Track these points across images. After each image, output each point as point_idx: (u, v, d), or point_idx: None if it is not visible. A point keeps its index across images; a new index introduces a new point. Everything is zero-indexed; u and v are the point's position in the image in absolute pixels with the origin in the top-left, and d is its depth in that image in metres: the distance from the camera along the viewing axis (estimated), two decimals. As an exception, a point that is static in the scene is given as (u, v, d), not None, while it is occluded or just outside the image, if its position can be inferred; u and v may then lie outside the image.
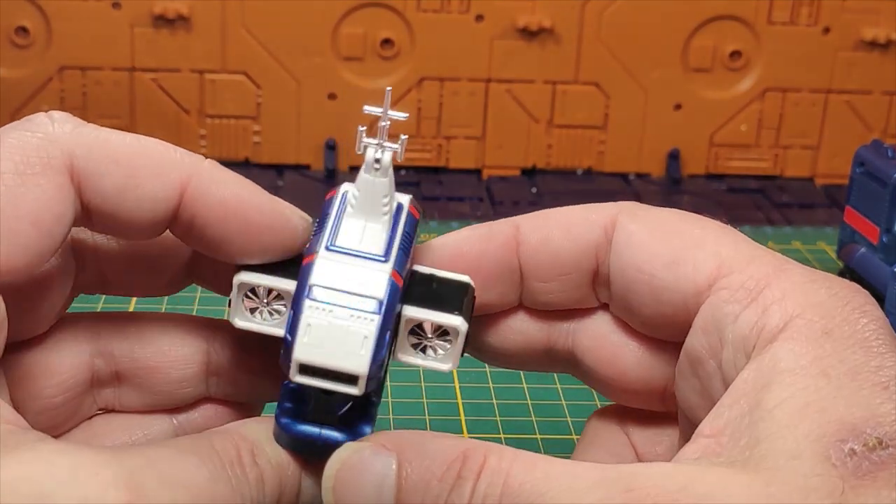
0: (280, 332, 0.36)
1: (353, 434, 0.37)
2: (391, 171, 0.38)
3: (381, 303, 0.35)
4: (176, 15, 0.93)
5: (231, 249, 0.38)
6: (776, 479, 0.32)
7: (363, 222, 0.37)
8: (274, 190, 0.97)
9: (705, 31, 0.97)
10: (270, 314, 0.37)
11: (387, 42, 0.96)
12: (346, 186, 0.39)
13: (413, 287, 0.38)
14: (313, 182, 0.97)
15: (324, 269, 0.36)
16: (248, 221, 0.37)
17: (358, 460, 0.35)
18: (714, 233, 0.39)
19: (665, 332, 0.40)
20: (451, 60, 0.96)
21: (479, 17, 0.95)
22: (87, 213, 0.37)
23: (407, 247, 0.38)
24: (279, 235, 0.38)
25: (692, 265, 0.38)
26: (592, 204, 0.42)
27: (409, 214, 0.38)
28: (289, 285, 0.37)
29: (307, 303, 0.35)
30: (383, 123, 0.38)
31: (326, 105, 0.97)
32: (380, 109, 0.39)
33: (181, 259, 0.42)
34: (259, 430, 0.37)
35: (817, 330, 0.35)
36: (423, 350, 0.38)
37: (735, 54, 0.98)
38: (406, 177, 0.97)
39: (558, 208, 0.43)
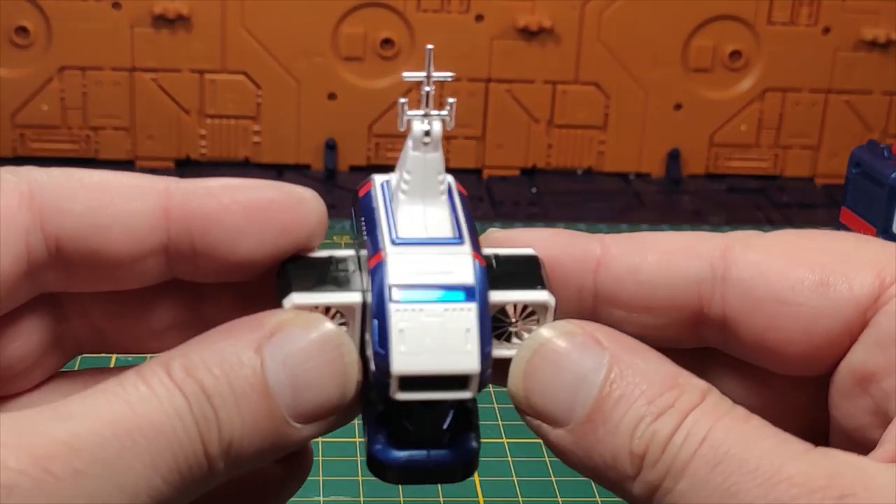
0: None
1: (463, 450, 0.33)
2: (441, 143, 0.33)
3: (472, 289, 0.31)
4: (176, 15, 0.93)
5: (248, 248, 0.34)
6: None
7: (421, 206, 0.33)
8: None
9: (705, 31, 0.97)
10: None
11: (387, 42, 0.96)
12: (379, 177, 0.35)
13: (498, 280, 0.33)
14: (313, 182, 0.97)
15: (398, 265, 0.31)
16: (253, 206, 0.34)
17: (561, 346, 0.32)
18: (853, 243, 0.35)
19: (813, 365, 0.35)
20: (451, 60, 0.96)
21: (479, 17, 0.95)
22: (59, 255, 0.33)
23: (472, 226, 0.33)
24: (294, 214, 0.34)
25: (847, 282, 0.34)
26: (697, 233, 0.37)
27: (459, 193, 0.35)
28: (350, 298, 0.32)
29: (391, 307, 0.30)
30: (427, 89, 0.33)
31: (326, 105, 0.97)
32: (421, 74, 0.33)
33: (184, 298, 0.37)
34: (201, 342, 0.31)
35: None
36: (508, 338, 0.33)
37: (735, 54, 0.98)
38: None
39: (656, 233, 0.37)
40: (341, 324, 0.33)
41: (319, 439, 0.58)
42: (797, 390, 0.37)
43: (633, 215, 0.94)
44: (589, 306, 0.36)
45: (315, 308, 0.32)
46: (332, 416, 0.32)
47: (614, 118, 0.99)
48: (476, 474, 0.58)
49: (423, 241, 0.32)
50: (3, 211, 0.32)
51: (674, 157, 1.00)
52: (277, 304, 0.33)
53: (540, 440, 0.33)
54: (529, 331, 0.33)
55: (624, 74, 0.98)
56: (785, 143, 1.01)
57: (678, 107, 0.99)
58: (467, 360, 0.31)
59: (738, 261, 0.35)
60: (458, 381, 0.31)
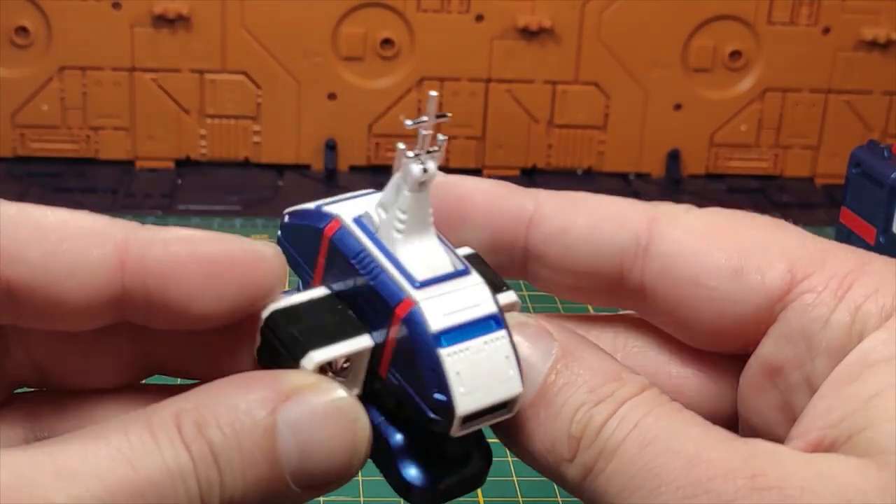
0: (352, 393, 0.32)
1: (485, 455, 0.35)
2: None
3: (498, 317, 0.32)
4: (176, 15, 0.93)
5: (203, 305, 0.33)
6: (888, 463, 0.30)
7: (418, 243, 0.33)
8: (274, 190, 0.97)
9: (705, 31, 0.97)
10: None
11: (387, 42, 0.96)
12: (346, 214, 0.35)
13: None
14: (313, 182, 0.97)
15: (432, 311, 0.32)
16: (212, 262, 0.33)
17: (514, 336, 0.33)
18: (774, 233, 0.36)
19: (723, 346, 0.37)
20: (451, 60, 0.96)
21: (479, 17, 0.95)
22: (10, 297, 0.32)
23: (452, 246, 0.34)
24: (254, 272, 0.33)
25: (760, 273, 0.35)
26: (628, 200, 0.38)
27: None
28: (363, 343, 0.33)
29: (442, 353, 0.31)
30: (425, 132, 0.33)
31: (326, 105, 0.97)
32: (423, 119, 0.33)
33: (132, 336, 0.36)
34: (215, 394, 0.31)
35: None
36: None
37: (735, 54, 0.98)
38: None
39: (588, 195, 0.39)
40: (345, 363, 0.33)
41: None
42: (709, 375, 0.38)
43: (633, 215, 0.94)
44: (520, 261, 0.37)
45: (335, 361, 0.33)
46: (335, 486, 0.32)
47: (614, 118, 0.99)
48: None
49: (439, 280, 0.33)
50: None
51: (674, 157, 1.00)
52: (273, 362, 0.32)
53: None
54: None
55: (624, 74, 0.98)
56: (785, 143, 1.01)
57: (678, 107, 0.99)
58: (513, 385, 0.32)
59: (661, 235, 0.36)
60: (505, 405, 0.32)
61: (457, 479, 0.34)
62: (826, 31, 0.98)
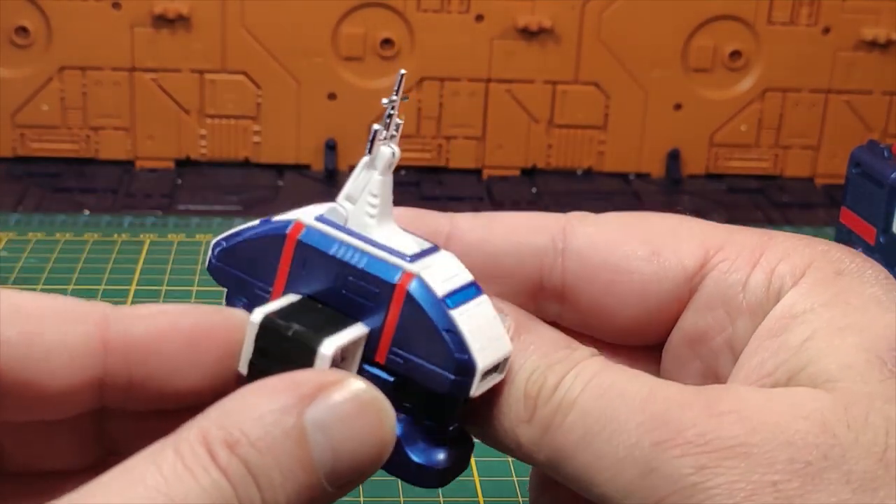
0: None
1: (468, 437, 0.35)
2: None
3: (476, 283, 0.34)
4: (176, 15, 0.93)
5: (187, 378, 0.33)
6: (836, 388, 0.31)
7: (388, 226, 0.34)
8: (274, 190, 0.97)
9: (705, 31, 0.97)
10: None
11: (387, 42, 0.96)
12: (306, 215, 0.35)
13: None
14: (313, 182, 0.97)
15: (433, 278, 0.33)
16: (193, 333, 0.33)
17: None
18: (680, 221, 0.39)
19: (645, 332, 0.38)
20: (451, 60, 0.96)
21: (479, 17, 0.95)
22: None
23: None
24: (232, 335, 0.33)
25: (675, 252, 0.37)
26: (540, 213, 0.40)
27: None
28: (361, 330, 0.33)
29: (454, 313, 0.32)
30: (391, 112, 0.35)
31: (326, 105, 0.97)
32: (394, 98, 0.35)
33: (91, 418, 0.35)
34: (236, 408, 0.29)
35: (829, 272, 0.35)
36: None
37: (735, 54, 0.98)
38: (406, 177, 0.97)
39: (501, 213, 0.40)
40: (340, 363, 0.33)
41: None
42: (639, 363, 0.39)
43: (633, 215, 0.94)
44: None
45: (345, 347, 0.32)
46: (363, 480, 0.32)
47: (614, 118, 0.99)
48: (476, 474, 0.58)
49: (422, 255, 0.33)
50: None
51: (674, 157, 1.00)
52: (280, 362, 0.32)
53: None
54: None
55: (624, 74, 0.98)
56: (785, 143, 1.01)
57: (678, 107, 0.99)
58: (506, 342, 0.34)
59: (576, 234, 0.38)
60: (500, 365, 0.33)
61: (454, 461, 0.34)
62: (826, 31, 0.98)
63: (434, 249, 0.34)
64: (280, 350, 0.33)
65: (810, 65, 0.98)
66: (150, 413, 0.34)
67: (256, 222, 0.35)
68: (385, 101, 0.35)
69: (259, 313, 0.33)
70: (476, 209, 0.93)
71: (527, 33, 0.95)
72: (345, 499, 0.57)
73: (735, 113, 1.00)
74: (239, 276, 0.35)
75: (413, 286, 0.32)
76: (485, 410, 0.34)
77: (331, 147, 0.97)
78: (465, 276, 0.34)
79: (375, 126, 0.34)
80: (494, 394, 0.34)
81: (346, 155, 0.98)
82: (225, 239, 0.36)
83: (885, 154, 0.73)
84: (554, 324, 0.39)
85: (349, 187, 0.35)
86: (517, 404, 0.33)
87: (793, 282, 0.35)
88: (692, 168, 1.01)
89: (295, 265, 0.34)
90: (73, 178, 0.95)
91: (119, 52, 0.94)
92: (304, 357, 0.32)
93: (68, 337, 0.32)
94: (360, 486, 0.56)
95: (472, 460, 0.58)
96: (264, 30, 0.95)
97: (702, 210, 0.96)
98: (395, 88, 0.35)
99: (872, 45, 0.98)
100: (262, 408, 0.29)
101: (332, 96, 0.97)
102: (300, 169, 0.99)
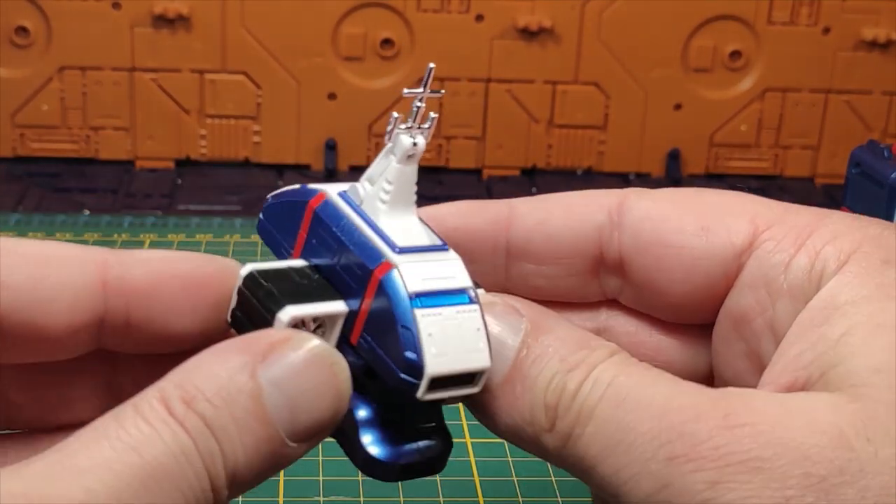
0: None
1: (444, 438, 0.35)
2: None
3: (470, 291, 0.33)
4: (176, 15, 0.93)
5: (182, 321, 0.34)
6: (861, 395, 0.30)
7: (400, 215, 0.35)
8: (274, 190, 0.97)
9: (705, 31, 0.97)
10: None
11: (387, 42, 0.96)
12: (332, 189, 0.36)
13: None
14: (313, 182, 0.97)
15: (410, 274, 0.33)
16: (189, 278, 0.34)
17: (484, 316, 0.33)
18: (735, 196, 0.38)
19: (697, 310, 0.38)
20: (451, 60, 0.96)
21: (479, 17, 0.95)
22: None
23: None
24: (227, 284, 0.35)
25: (725, 228, 0.37)
26: (597, 190, 0.40)
27: None
28: (338, 307, 0.34)
29: (418, 313, 0.32)
30: (420, 105, 0.35)
31: (326, 105, 0.97)
32: (419, 91, 0.36)
33: (99, 367, 0.37)
34: (193, 369, 0.31)
35: (876, 260, 0.34)
36: None
37: (735, 54, 0.98)
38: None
39: (558, 193, 0.41)
40: (317, 329, 0.33)
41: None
42: (692, 347, 0.39)
43: (633, 215, 0.94)
44: (502, 263, 0.39)
45: (306, 319, 0.33)
46: (327, 433, 0.32)
47: (614, 118, 0.99)
48: (476, 474, 0.58)
49: (418, 250, 0.34)
50: None
51: (674, 157, 1.00)
52: (260, 318, 0.33)
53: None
54: None
55: (624, 74, 0.98)
56: (785, 143, 1.01)
57: (678, 107, 0.99)
58: (481, 357, 0.33)
59: (631, 208, 0.38)
60: (471, 378, 0.33)
61: (417, 458, 0.34)
62: (826, 31, 0.98)
63: (440, 248, 0.34)
64: (250, 307, 0.34)
65: (810, 65, 0.98)
66: (158, 362, 0.35)
67: (297, 186, 0.37)
68: (406, 91, 0.35)
69: (248, 268, 0.34)
70: (476, 209, 0.93)
71: (527, 33, 0.95)
72: (345, 499, 0.57)
73: (735, 113, 1.00)
74: (273, 234, 0.37)
75: (386, 276, 0.33)
76: (507, 417, 0.34)
77: (331, 147, 0.97)
78: (459, 282, 0.33)
79: (395, 114, 0.35)
80: (514, 399, 0.33)
81: (346, 155, 0.98)
82: (273, 197, 0.38)
83: (885, 154, 0.73)
84: (614, 302, 0.39)
85: (371, 169, 0.36)
86: (539, 413, 0.33)
87: (836, 266, 0.34)
88: (692, 168, 1.01)
89: (310, 233, 0.35)
90: (73, 178, 0.95)
91: (119, 52, 0.94)
92: (264, 319, 0.33)
93: (70, 279, 0.33)
94: (360, 487, 0.56)
95: (472, 460, 0.58)
96: (264, 30, 0.94)
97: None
98: (424, 81, 0.36)
99: (872, 45, 0.98)
100: (216, 367, 0.30)
101: (332, 96, 0.97)
102: (300, 169, 0.99)
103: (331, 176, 0.97)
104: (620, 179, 1.00)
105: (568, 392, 0.33)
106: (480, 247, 0.39)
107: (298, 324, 0.33)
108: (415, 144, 0.35)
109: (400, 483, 0.56)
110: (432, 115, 0.35)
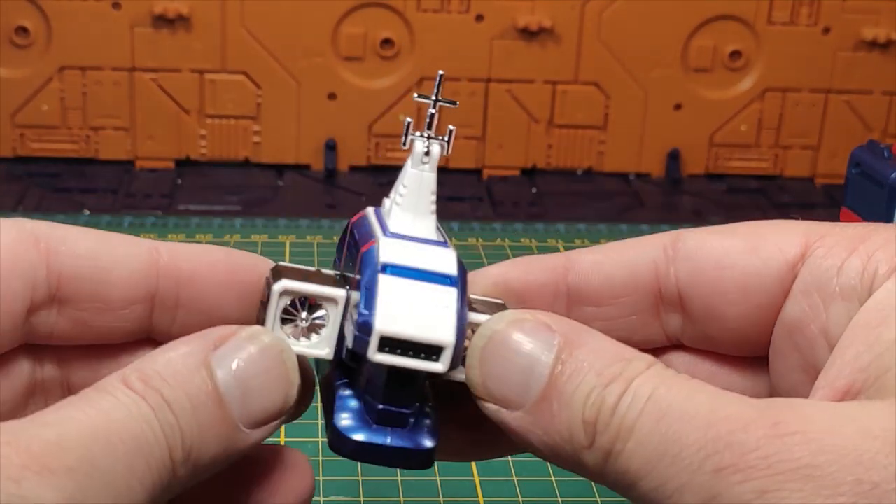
0: (322, 352, 0.35)
1: (419, 440, 0.35)
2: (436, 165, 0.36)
3: (455, 278, 0.34)
4: (176, 15, 0.93)
5: (229, 305, 0.37)
6: None
7: (412, 217, 0.36)
8: (274, 190, 0.97)
9: (705, 31, 0.97)
10: (308, 335, 0.35)
11: (387, 42, 0.96)
12: (372, 208, 0.37)
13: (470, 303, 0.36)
14: (313, 182, 0.97)
15: (390, 248, 0.34)
16: (234, 269, 0.37)
17: (513, 332, 0.34)
18: (785, 221, 0.38)
19: (758, 333, 0.38)
20: (451, 60, 0.96)
21: (479, 17, 0.95)
22: (58, 296, 0.36)
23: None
24: (260, 273, 0.37)
25: (776, 244, 0.37)
26: (651, 235, 0.40)
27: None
28: (336, 292, 0.35)
29: (382, 277, 0.33)
30: (432, 111, 0.36)
31: (326, 105, 0.97)
32: (429, 98, 0.36)
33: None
34: (151, 357, 0.33)
35: None
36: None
37: (735, 54, 0.98)
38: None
39: (615, 242, 0.41)
40: (318, 319, 0.35)
41: (319, 440, 0.58)
42: (757, 385, 0.39)
43: (633, 215, 0.94)
44: (563, 310, 0.39)
45: (299, 297, 0.35)
46: (278, 420, 0.34)
47: (614, 118, 0.99)
48: (476, 474, 0.58)
49: (412, 238, 0.35)
50: (13, 247, 0.35)
51: (674, 157, 1.00)
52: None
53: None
54: None
55: (624, 74, 0.98)
56: (785, 143, 1.01)
57: (678, 107, 0.99)
58: (444, 331, 0.33)
59: (685, 240, 0.38)
60: (433, 351, 0.33)
61: (381, 441, 0.34)
62: (826, 31, 0.98)
63: (439, 243, 0.35)
64: (264, 291, 0.36)
65: (810, 65, 0.98)
66: None
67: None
68: (416, 96, 0.37)
69: (278, 264, 0.36)
70: (476, 209, 0.93)
71: (527, 33, 0.95)
72: (344, 498, 0.57)
73: (735, 113, 1.00)
74: (339, 250, 0.39)
75: (367, 249, 0.34)
76: (546, 435, 0.33)
77: (331, 147, 0.97)
78: (445, 269, 0.34)
79: (407, 118, 0.36)
80: (552, 417, 0.33)
81: (346, 155, 0.98)
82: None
83: (885, 154, 0.73)
84: (679, 346, 0.39)
85: (398, 180, 0.37)
86: (577, 430, 0.32)
87: (890, 268, 0.34)
88: (692, 168, 1.01)
89: (346, 247, 0.37)
90: (73, 178, 0.95)
91: (119, 52, 0.94)
92: (266, 297, 0.35)
93: (127, 256, 0.36)
94: (360, 487, 0.56)
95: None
96: (264, 30, 0.95)
97: (702, 210, 0.96)
98: (435, 88, 0.36)
99: (872, 45, 0.98)
100: (170, 353, 0.33)
101: (332, 96, 0.97)
102: (300, 169, 0.99)
103: (331, 176, 0.97)
104: (620, 179, 1.00)
105: (607, 407, 0.32)
106: (541, 296, 0.39)
107: (295, 303, 0.35)
108: (427, 152, 0.35)
109: (400, 483, 0.56)
110: (451, 127, 0.36)
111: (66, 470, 0.29)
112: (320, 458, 0.58)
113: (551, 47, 0.96)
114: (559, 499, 0.58)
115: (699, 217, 0.94)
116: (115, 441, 0.30)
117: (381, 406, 0.34)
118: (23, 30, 0.93)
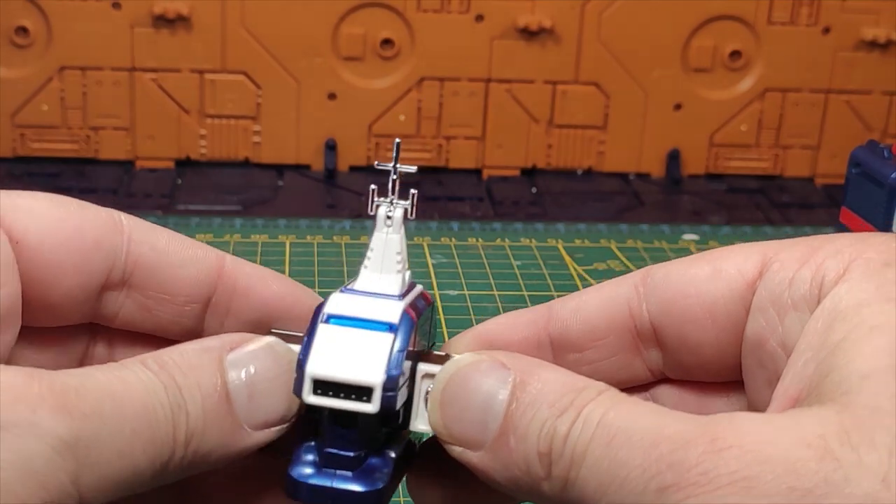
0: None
1: (368, 482, 0.36)
2: (402, 227, 0.38)
3: (394, 325, 0.35)
4: (176, 15, 0.93)
5: (278, 317, 0.40)
6: (849, 403, 0.31)
7: (376, 275, 0.38)
8: (274, 190, 0.97)
9: (705, 31, 0.97)
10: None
11: (387, 42, 0.96)
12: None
13: (427, 356, 0.38)
14: (313, 182, 0.97)
15: (337, 301, 0.36)
16: (287, 292, 0.39)
17: (470, 374, 0.35)
18: (745, 244, 0.39)
19: (730, 359, 0.38)
20: (451, 60, 0.96)
21: (479, 17, 0.96)
22: (129, 281, 0.38)
23: (421, 307, 0.38)
24: (308, 304, 0.39)
25: (735, 266, 0.37)
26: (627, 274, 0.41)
27: (421, 295, 0.39)
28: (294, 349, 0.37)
29: (321, 326, 0.35)
30: (393, 177, 0.38)
31: (326, 105, 0.97)
32: (388, 165, 0.39)
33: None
34: (171, 349, 0.36)
35: (877, 264, 0.34)
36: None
37: (735, 54, 0.98)
38: (406, 177, 0.97)
39: (594, 285, 0.42)
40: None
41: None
42: (744, 409, 0.39)
43: (633, 215, 0.94)
44: (549, 360, 0.39)
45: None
46: (280, 426, 0.36)
47: (614, 118, 0.99)
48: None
49: (367, 293, 0.37)
50: (101, 228, 0.37)
51: (674, 157, 1.00)
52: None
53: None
54: None
55: (624, 74, 0.98)
56: (785, 143, 1.01)
57: (678, 107, 0.99)
58: (372, 373, 0.35)
59: (653, 274, 0.39)
60: (364, 392, 0.35)
61: (327, 483, 0.36)
62: (826, 31, 0.98)
63: (393, 297, 0.37)
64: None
65: (810, 65, 0.99)
66: None
67: None
68: (377, 164, 0.39)
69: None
70: (476, 209, 0.93)
71: (527, 33, 0.95)
72: None
73: (735, 113, 1.00)
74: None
75: (318, 304, 0.36)
76: (505, 470, 0.34)
77: (331, 147, 0.97)
78: (386, 317, 0.36)
79: (372, 186, 0.38)
80: (510, 452, 0.34)
81: (345, 155, 0.98)
82: None
83: (885, 154, 0.73)
84: (666, 380, 0.40)
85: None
86: (534, 462, 0.33)
87: (837, 274, 0.34)
88: (692, 168, 1.01)
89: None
90: (73, 177, 0.95)
91: (119, 52, 0.94)
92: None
93: (196, 258, 0.39)
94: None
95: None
96: (264, 30, 0.95)
97: (702, 210, 0.96)
98: (393, 156, 0.39)
99: (872, 45, 0.98)
100: (188, 347, 0.35)
101: (332, 96, 0.97)
102: (300, 169, 0.99)
103: (331, 176, 0.97)
104: (620, 179, 1.00)
105: (559, 436, 0.33)
106: (525, 350, 0.39)
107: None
108: (388, 217, 0.38)
109: (400, 484, 0.56)
110: (413, 191, 0.38)
111: (80, 414, 0.31)
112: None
113: (551, 47, 0.96)
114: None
115: (699, 217, 0.94)
116: (126, 404, 0.32)
117: (326, 449, 0.36)
118: (23, 30, 0.93)
